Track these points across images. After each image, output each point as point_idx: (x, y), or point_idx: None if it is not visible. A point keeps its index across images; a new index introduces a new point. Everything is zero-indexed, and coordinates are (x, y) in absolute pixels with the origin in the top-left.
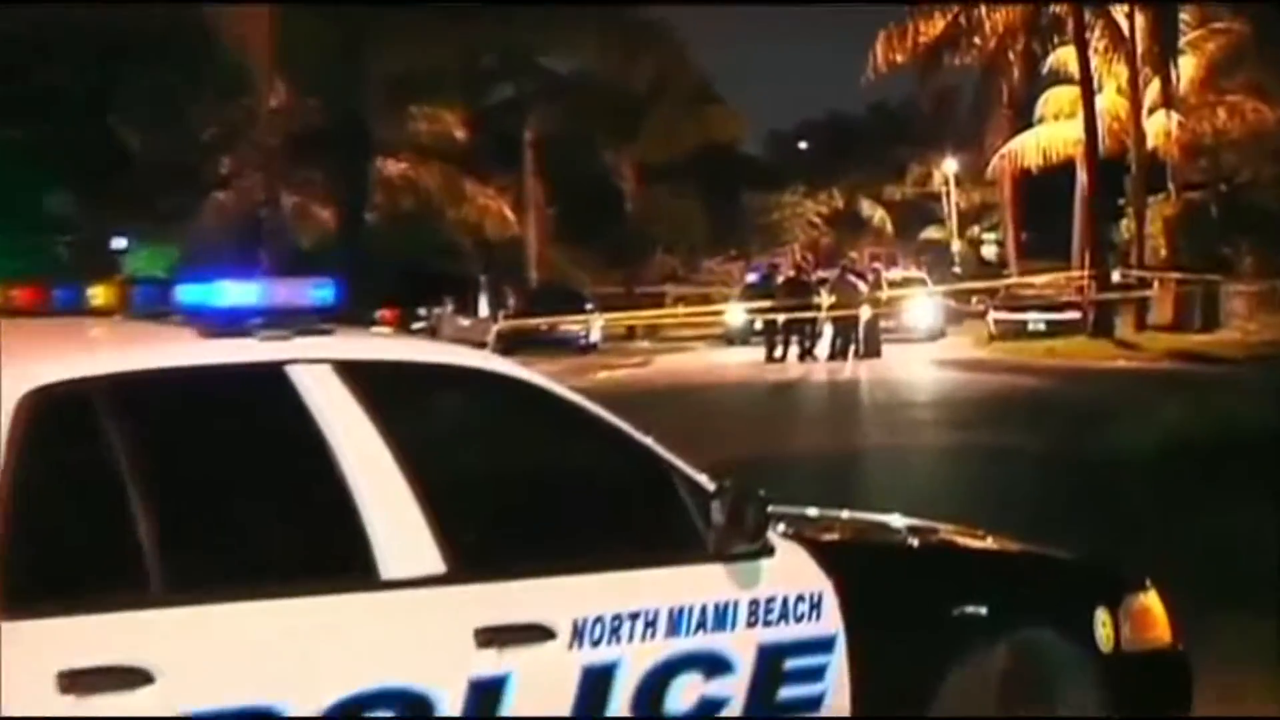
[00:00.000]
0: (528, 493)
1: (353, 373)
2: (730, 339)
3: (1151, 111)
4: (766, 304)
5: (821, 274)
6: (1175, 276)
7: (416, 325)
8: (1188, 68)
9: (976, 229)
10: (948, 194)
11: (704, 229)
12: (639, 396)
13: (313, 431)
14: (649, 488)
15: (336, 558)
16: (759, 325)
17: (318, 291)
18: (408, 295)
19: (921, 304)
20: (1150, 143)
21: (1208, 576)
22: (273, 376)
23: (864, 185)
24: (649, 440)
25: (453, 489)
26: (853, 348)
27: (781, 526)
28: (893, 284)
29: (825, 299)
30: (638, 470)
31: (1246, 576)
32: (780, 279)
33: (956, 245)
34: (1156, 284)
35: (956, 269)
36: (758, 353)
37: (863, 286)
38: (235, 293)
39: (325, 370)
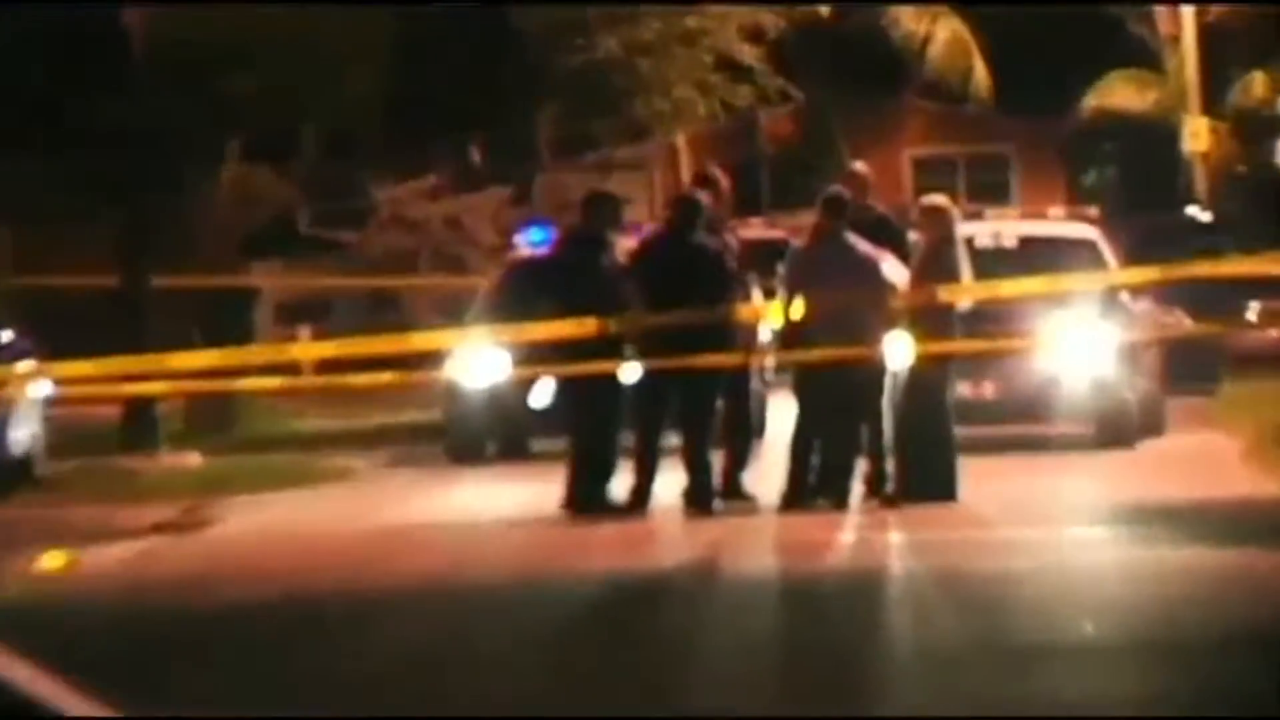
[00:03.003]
0: None
1: None
2: (459, 442)
3: None
4: (579, 330)
5: (763, 227)
6: None
7: None
8: None
9: (1259, 79)
10: None
11: (367, 94)
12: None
13: None
14: None
15: None
16: (548, 390)
17: None
18: None
19: (1086, 326)
20: None
21: None
22: None
23: None
24: None
25: None
26: (860, 469)
27: None
28: (990, 256)
29: (774, 304)
30: None
31: None
32: (635, 241)
33: (1193, 136)
34: None
35: (1197, 211)
36: (540, 486)
37: (895, 273)
38: None
39: None
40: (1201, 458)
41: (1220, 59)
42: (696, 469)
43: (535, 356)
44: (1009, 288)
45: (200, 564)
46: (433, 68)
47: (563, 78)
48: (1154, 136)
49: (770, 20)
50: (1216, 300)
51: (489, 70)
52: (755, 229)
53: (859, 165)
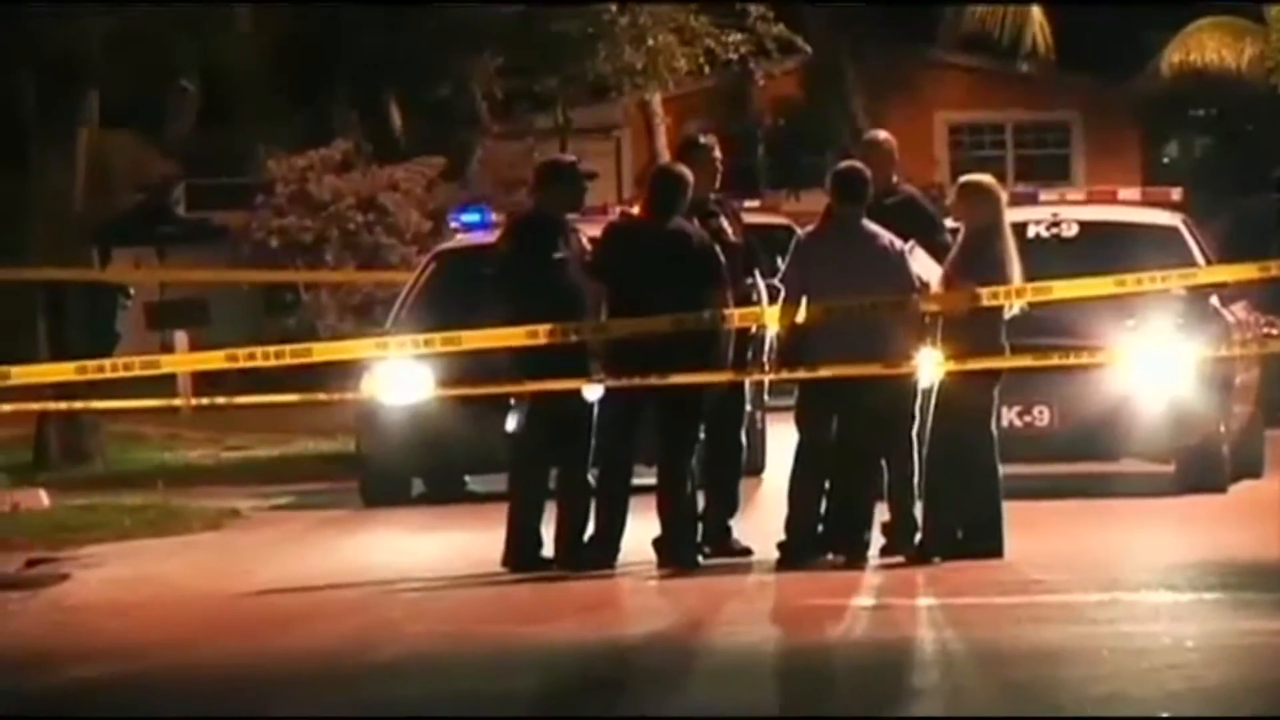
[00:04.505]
0: None
1: None
2: (377, 479)
3: None
4: (530, 339)
5: (760, 212)
6: None
7: None
8: None
9: None
10: None
11: (257, 39)
12: None
13: None
14: None
15: None
16: (513, 419)
17: None
18: None
19: (1166, 339)
20: None
21: None
22: None
23: None
24: None
25: None
26: (880, 516)
27: None
28: (1046, 248)
29: (774, 308)
30: None
31: None
32: (599, 228)
33: None
34: None
35: None
36: (478, 535)
37: (926, 270)
38: None
39: None
40: None
41: None
42: (675, 514)
43: (474, 371)
44: (1069, 288)
45: (43, 632)
46: (341, 5)
47: (507, 20)
48: (1251, 100)
49: None
50: None
51: (413, 10)
52: (750, 215)
53: (881, 134)
